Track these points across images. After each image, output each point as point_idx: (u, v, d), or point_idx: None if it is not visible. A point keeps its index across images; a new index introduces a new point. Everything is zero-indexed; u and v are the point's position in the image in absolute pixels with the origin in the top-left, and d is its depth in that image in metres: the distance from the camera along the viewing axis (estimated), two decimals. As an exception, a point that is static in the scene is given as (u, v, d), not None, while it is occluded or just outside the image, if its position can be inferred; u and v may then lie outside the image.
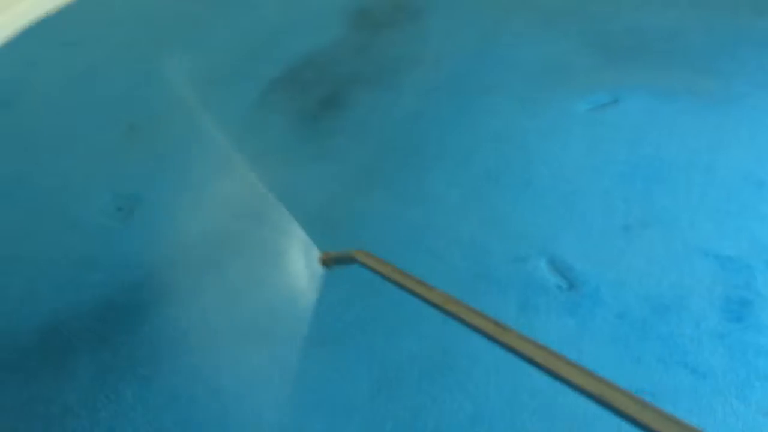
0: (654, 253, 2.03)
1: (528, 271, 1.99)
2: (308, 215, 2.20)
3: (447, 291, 1.94)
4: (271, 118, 2.69)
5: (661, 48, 3.08)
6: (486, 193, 2.28)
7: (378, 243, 2.10)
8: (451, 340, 1.81)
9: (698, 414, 1.60)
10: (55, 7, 3.97)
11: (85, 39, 3.65)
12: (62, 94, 3.22)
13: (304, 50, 3.16)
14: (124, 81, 3.15)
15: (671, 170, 2.35)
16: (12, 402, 1.83)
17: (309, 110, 2.72)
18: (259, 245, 2.13)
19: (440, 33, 3.22)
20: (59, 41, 3.70)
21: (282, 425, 1.70)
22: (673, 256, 2.02)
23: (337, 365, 1.80)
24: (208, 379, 1.79)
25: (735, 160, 2.41)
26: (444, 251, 2.06)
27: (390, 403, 1.69)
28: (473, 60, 3.00)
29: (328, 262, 1.99)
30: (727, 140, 2.50)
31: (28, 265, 2.23)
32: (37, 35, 3.83)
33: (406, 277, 1.63)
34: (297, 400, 1.75)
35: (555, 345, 1.76)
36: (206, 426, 1.72)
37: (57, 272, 2.17)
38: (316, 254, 2.08)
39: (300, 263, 2.09)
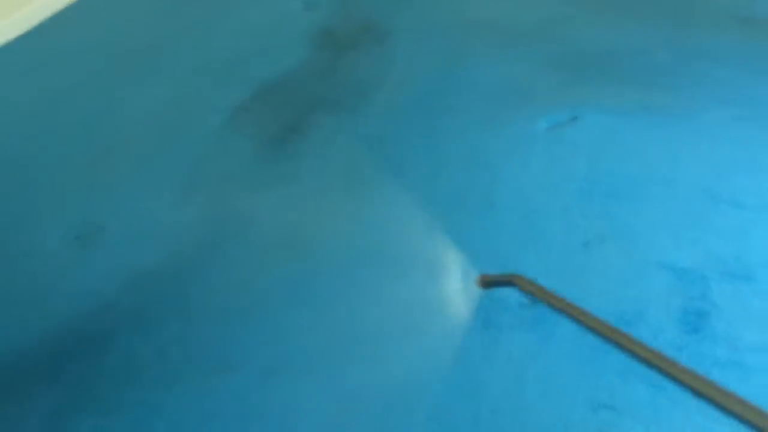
0: (613, 268, 2.07)
1: (491, 289, 2.01)
2: (269, 240, 2.21)
3: (408, 311, 1.96)
4: (236, 143, 2.70)
5: (620, 66, 3.15)
6: (448, 213, 2.30)
7: (338, 266, 2.11)
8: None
9: (656, 427, 1.62)
10: (15, 35, 3.96)
11: (47, 66, 3.64)
12: (24, 120, 3.20)
13: (270, 74, 3.18)
14: (88, 108, 3.14)
15: (630, 186, 2.40)
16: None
17: (275, 134, 2.73)
18: (221, 272, 2.13)
19: (405, 55, 3.27)
20: (21, 69, 3.69)
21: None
22: (631, 271, 2.05)
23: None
24: (170, 413, 1.77)
25: (692, 174, 2.46)
26: (403, 273, 2.08)
27: None
28: (437, 82, 3.04)
29: (485, 284, 1.99)
30: (685, 155, 2.56)
31: (-15, 297, 2.21)
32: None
33: (564, 302, 1.64)
34: None
35: (517, 361, 1.80)
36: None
37: (14, 302, 2.15)
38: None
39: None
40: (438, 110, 2.85)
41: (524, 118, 2.77)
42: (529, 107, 2.83)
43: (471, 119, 2.78)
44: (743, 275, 2.04)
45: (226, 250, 2.20)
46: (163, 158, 2.64)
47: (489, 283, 1.98)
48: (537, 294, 1.72)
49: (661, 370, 1.61)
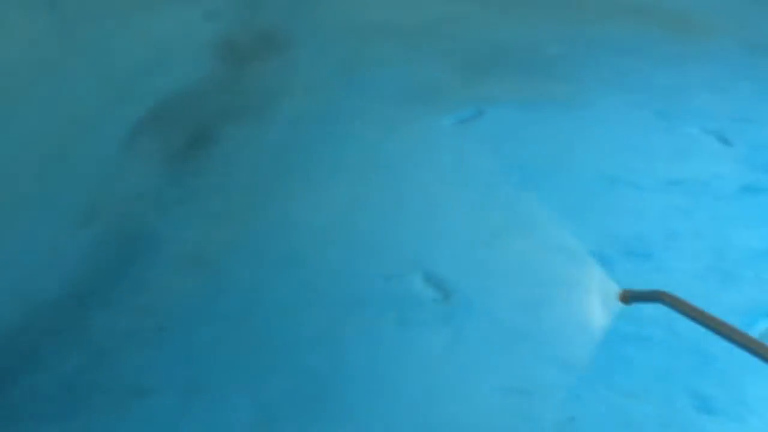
0: (520, 257, 2.12)
1: (402, 288, 2.03)
2: (177, 258, 2.15)
3: (323, 318, 1.95)
4: (139, 161, 2.62)
5: (519, 60, 3.24)
6: (357, 216, 2.30)
7: (248, 278, 2.08)
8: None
9: (568, 405, 1.67)
10: None
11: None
12: None
13: (171, 88, 3.10)
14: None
15: (532, 175, 2.47)
16: None
17: (178, 150, 2.67)
18: (128, 296, 2.06)
19: (307, 63, 3.26)
20: None
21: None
22: (537, 258, 2.11)
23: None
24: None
25: (590, 159, 2.56)
26: (316, 279, 2.06)
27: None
28: (341, 87, 3.05)
29: (627, 299, 1.93)
30: (583, 142, 2.66)
31: None
32: None
33: (713, 319, 1.60)
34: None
35: (431, 355, 1.82)
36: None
37: None
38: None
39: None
40: (343, 115, 2.85)
41: (429, 116, 2.81)
42: (433, 105, 2.88)
43: (375, 120, 2.80)
44: (643, 253, 2.14)
45: (132, 272, 2.13)
46: (60, 182, 2.53)
47: (632, 297, 1.95)
48: (684, 310, 1.69)
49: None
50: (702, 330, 1.82)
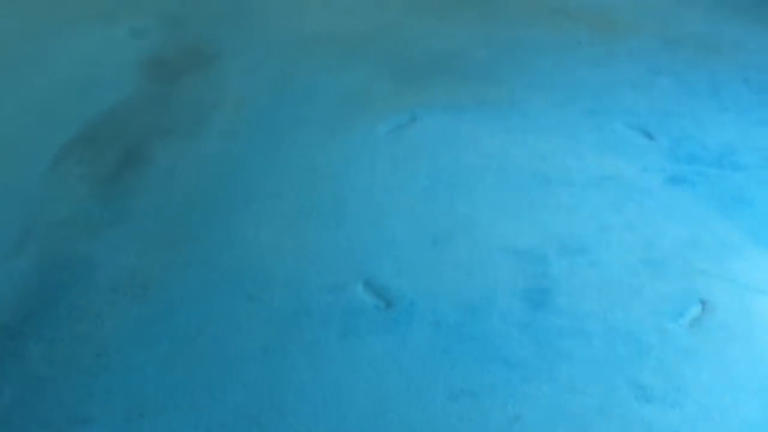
0: (461, 260, 2.16)
1: (346, 297, 2.03)
2: (115, 282, 2.10)
3: (269, 332, 1.94)
4: (66, 185, 2.53)
5: (451, 66, 3.30)
6: (298, 228, 2.30)
7: (191, 297, 2.05)
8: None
9: (513, 403, 1.70)
10: None
11: None
12: None
13: (100, 108, 3.02)
14: None
15: (468, 178, 2.52)
16: None
17: (108, 171, 2.59)
18: (63, 323, 1.99)
19: (240, 75, 3.23)
20: None
21: None
22: (477, 259, 2.15)
23: None
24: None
25: (523, 160, 2.63)
26: (260, 293, 2.04)
27: None
28: (275, 97, 3.03)
29: None
30: (514, 142, 2.73)
31: None
32: None
33: None
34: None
35: (377, 363, 1.83)
36: None
37: None
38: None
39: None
40: (278, 126, 2.84)
41: (364, 124, 2.83)
42: (369, 113, 2.90)
43: (312, 131, 2.80)
44: (578, 249, 2.20)
45: (67, 299, 2.06)
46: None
47: None
48: None
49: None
50: (639, 322, 1.90)
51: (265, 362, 1.84)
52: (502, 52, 3.41)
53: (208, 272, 2.17)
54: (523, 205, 2.38)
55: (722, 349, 1.87)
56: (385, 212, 2.37)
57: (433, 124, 2.83)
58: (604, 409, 1.69)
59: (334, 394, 1.74)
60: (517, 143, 2.71)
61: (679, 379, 1.77)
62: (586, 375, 1.78)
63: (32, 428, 1.71)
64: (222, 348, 1.90)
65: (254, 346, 1.90)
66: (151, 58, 3.39)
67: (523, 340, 1.87)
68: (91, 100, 3.09)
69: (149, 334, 1.98)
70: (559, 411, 1.69)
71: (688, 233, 2.26)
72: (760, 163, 2.57)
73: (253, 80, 3.16)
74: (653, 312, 1.96)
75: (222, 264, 2.19)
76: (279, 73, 3.23)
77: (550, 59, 3.31)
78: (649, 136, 2.75)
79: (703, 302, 1.99)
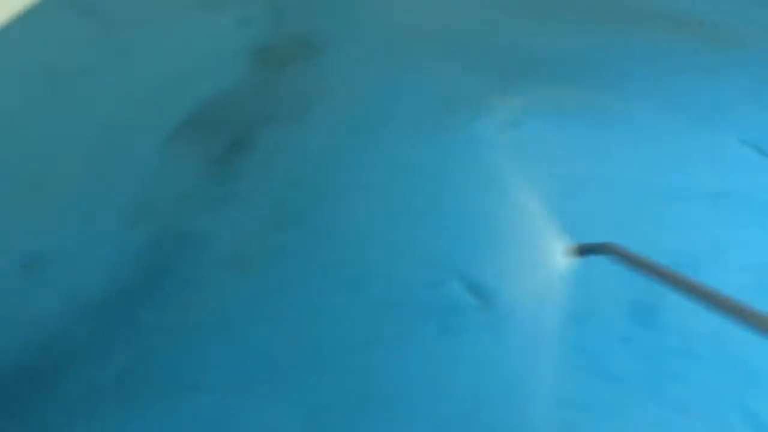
0: (562, 268, 2.11)
1: (443, 294, 2.03)
2: (220, 258, 2.17)
3: (368, 321, 1.96)
4: (178, 166, 2.64)
5: (554, 68, 3.23)
6: (393, 222, 2.31)
7: (293, 278, 2.09)
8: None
9: (618, 419, 1.66)
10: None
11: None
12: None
13: (208, 93, 3.12)
14: (22, 133, 3.01)
15: (571, 185, 2.46)
16: None
17: (217, 154, 2.68)
18: (174, 294, 2.07)
19: (345, 67, 3.26)
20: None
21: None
22: (581, 269, 2.10)
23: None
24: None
25: (630, 171, 2.55)
26: (360, 282, 2.07)
27: None
28: (378, 92, 3.05)
29: (579, 253, 1.94)
30: (621, 152, 2.64)
31: None
32: None
33: (660, 268, 1.56)
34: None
35: (475, 362, 1.82)
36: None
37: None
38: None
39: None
40: (380, 120, 2.85)
41: (466, 124, 2.80)
42: (470, 113, 2.87)
43: (413, 127, 2.80)
44: (690, 266, 2.12)
45: (178, 271, 2.14)
46: (105, 183, 2.55)
47: (581, 251, 1.95)
48: (631, 260, 1.68)
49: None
50: (750, 348, 1.81)
51: (366, 352, 1.86)
52: (607, 56, 3.31)
53: (308, 259, 2.20)
54: (630, 219, 2.30)
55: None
56: (482, 212, 2.35)
57: (536, 128, 2.78)
58: (712, 433, 1.63)
59: (432, 388, 1.74)
60: (623, 153, 2.63)
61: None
62: (695, 397, 1.71)
63: (145, 393, 1.79)
64: (323, 334, 1.93)
65: (355, 335, 1.92)
66: (257, 47, 3.47)
67: (628, 355, 1.82)
68: (200, 86, 3.20)
69: (251, 311, 2.04)
70: None
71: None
72: None
73: (358, 73, 3.19)
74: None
75: (320, 251, 2.23)
76: (381, 67, 3.24)
77: (659, 66, 3.20)
78: (763, 152, 2.62)
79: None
